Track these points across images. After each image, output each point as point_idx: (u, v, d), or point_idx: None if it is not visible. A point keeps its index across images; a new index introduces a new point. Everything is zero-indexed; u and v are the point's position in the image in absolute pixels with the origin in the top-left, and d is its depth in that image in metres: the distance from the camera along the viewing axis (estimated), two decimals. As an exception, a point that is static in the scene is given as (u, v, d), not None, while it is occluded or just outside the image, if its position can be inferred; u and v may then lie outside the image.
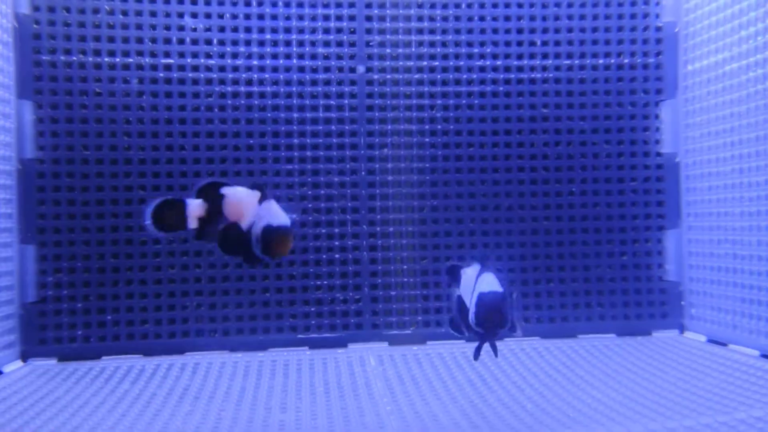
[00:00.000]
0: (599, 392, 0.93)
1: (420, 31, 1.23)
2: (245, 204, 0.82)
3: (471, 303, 0.82)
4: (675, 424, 0.78)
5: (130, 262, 1.17)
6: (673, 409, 0.84)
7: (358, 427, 0.82)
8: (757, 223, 1.03)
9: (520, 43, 1.24)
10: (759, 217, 1.03)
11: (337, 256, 1.22)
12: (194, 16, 1.20)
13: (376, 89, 1.23)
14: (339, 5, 1.22)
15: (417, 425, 0.83)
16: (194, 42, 1.20)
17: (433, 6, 1.23)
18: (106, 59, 1.18)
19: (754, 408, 0.81)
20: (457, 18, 1.24)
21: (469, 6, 1.24)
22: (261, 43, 1.21)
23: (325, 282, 1.21)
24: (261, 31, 1.21)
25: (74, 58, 1.17)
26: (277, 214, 0.80)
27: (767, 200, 1.01)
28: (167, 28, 1.19)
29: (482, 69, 1.24)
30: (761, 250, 1.02)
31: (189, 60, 1.20)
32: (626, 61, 1.25)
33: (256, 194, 0.82)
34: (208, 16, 1.20)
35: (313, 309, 1.21)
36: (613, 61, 1.25)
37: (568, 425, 0.80)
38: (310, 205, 1.21)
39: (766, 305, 1.01)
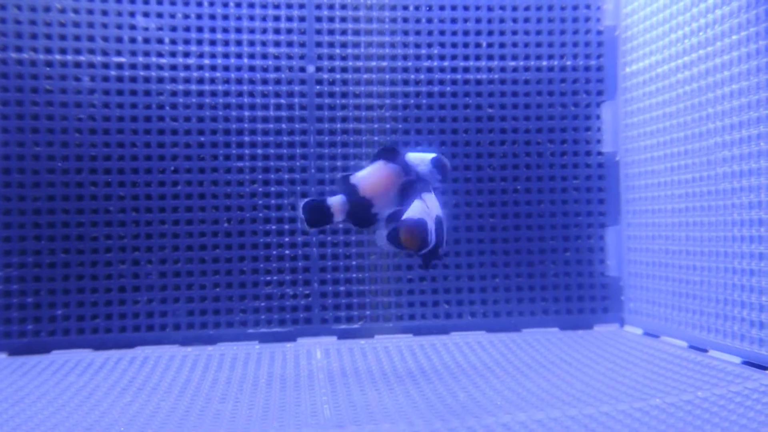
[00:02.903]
0: (532, 383, 0.96)
1: (369, 32, 1.26)
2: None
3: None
4: (593, 410, 0.82)
5: (81, 258, 1.19)
6: (597, 397, 0.87)
7: (291, 417, 0.84)
8: (685, 219, 1.07)
9: (466, 45, 1.28)
10: (687, 213, 1.07)
11: (287, 252, 1.24)
12: (146, 15, 1.22)
13: (325, 89, 1.25)
14: (289, 6, 1.25)
15: (349, 414, 0.85)
16: (146, 41, 1.22)
17: (381, 8, 1.26)
18: (57, 57, 1.19)
19: (670, 395, 0.85)
20: (405, 19, 1.27)
21: (416, 8, 1.27)
22: (212, 43, 1.23)
23: (275, 278, 1.24)
24: (212, 30, 1.23)
25: (25, 56, 1.18)
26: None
27: (694, 197, 1.05)
28: (119, 26, 1.21)
29: (429, 70, 1.27)
30: (689, 245, 1.06)
31: (140, 59, 1.21)
32: (569, 63, 1.29)
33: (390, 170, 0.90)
34: (159, 15, 1.22)
35: (263, 304, 1.23)
36: (556, 63, 1.29)
37: (493, 412, 0.83)
38: (260, 202, 1.24)
39: (693, 297, 1.05)
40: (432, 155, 0.94)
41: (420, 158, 0.94)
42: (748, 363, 0.94)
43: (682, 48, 1.07)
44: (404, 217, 0.85)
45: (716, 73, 0.99)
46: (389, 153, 0.93)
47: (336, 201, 0.93)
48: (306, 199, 0.96)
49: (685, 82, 1.06)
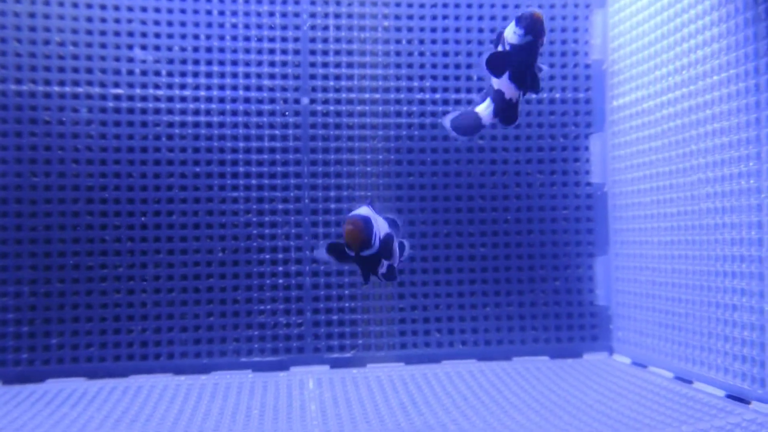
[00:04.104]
0: (522, 415, 0.97)
1: (362, 65, 1.29)
2: None
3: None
4: (579, 444, 0.83)
5: (76, 287, 1.20)
6: (583, 430, 0.89)
7: (283, 450, 0.86)
8: (671, 252, 1.09)
9: (457, 78, 1.31)
10: (672, 246, 1.09)
11: (280, 281, 1.26)
12: (144, 48, 1.24)
13: (319, 120, 1.28)
14: (284, 39, 1.28)
15: (340, 447, 0.87)
16: (143, 73, 1.24)
17: (374, 41, 1.29)
18: (56, 89, 1.21)
19: (656, 429, 0.87)
20: (397, 53, 1.30)
21: (409, 42, 1.30)
22: (208, 75, 1.26)
23: (269, 307, 1.25)
24: (208, 63, 1.26)
25: (24, 88, 1.20)
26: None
27: (679, 231, 1.07)
28: (117, 59, 1.23)
29: (422, 102, 1.30)
30: (674, 277, 1.08)
31: (138, 90, 1.24)
32: (558, 95, 1.32)
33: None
34: (157, 48, 1.24)
35: (256, 333, 1.25)
36: (545, 95, 1.32)
37: (482, 446, 0.85)
38: (254, 232, 1.25)
39: (678, 329, 1.07)
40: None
41: (510, 26, 0.84)
42: (731, 396, 0.96)
43: (666, 85, 1.10)
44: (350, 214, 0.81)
45: (699, 111, 1.01)
46: (498, 38, 0.87)
47: (482, 107, 0.90)
48: (451, 116, 0.93)
49: (670, 119, 1.09)
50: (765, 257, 0.88)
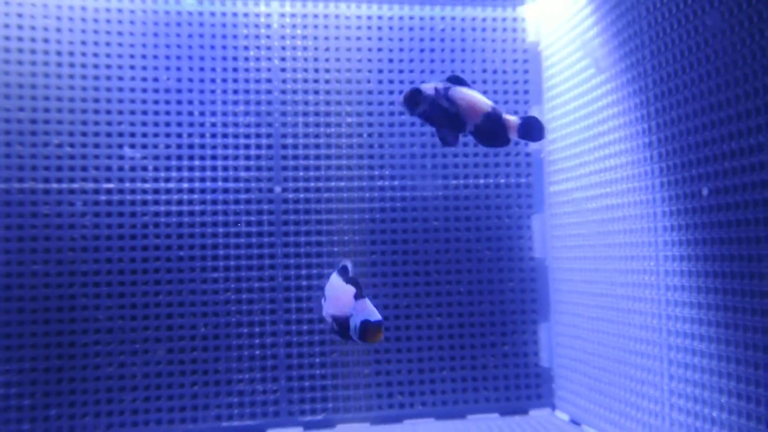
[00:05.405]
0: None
1: (328, 157, 1.45)
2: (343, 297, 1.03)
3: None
4: None
5: (73, 363, 1.34)
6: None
7: None
8: (596, 327, 1.25)
9: (413, 167, 1.47)
10: (597, 322, 1.25)
11: (257, 352, 1.40)
12: (132, 146, 1.39)
13: (291, 207, 1.43)
14: (258, 136, 1.43)
15: None
16: (132, 169, 1.39)
17: (339, 136, 1.46)
18: (54, 185, 1.36)
19: (575, 492, 1.02)
20: (360, 146, 1.46)
21: (369, 135, 1.47)
22: (190, 169, 1.41)
23: (247, 375, 1.39)
24: (190, 158, 1.41)
25: (26, 185, 1.34)
26: (371, 311, 1.00)
27: (602, 310, 1.23)
28: (108, 157, 1.38)
29: (381, 189, 1.46)
30: (599, 350, 1.24)
31: (127, 184, 1.38)
32: (502, 181, 1.49)
33: (351, 290, 1.03)
34: (144, 146, 1.40)
35: (235, 400, 1.39)
36: (491, 180, 1.48)
37: None
38: (233, 308, 1.40)
39: (605, 395, 1.23)
40: None
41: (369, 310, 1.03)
42: (644, 458, 1.11)
43: (589, 182, 1.27)
44: (369, 317, 0.99)
45: (614, 211, 1.18)
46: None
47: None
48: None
49: (593, 213, 1.25)
50: (664, 344, 1.04)
